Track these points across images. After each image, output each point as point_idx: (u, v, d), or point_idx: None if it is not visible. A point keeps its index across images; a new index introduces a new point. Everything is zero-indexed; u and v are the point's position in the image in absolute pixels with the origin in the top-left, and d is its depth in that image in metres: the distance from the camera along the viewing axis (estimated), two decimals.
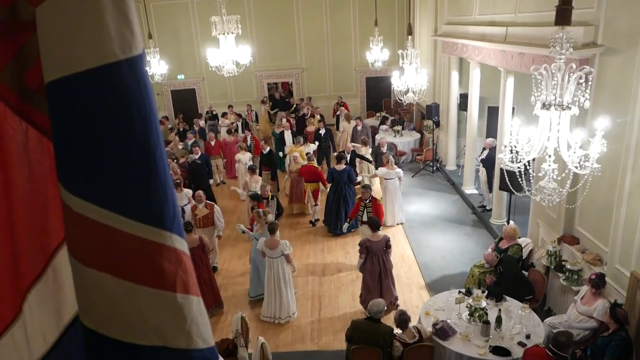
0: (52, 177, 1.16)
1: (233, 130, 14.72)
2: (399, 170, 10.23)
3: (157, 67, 13.58)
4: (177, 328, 1.15)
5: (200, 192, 8.69)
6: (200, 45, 17.95)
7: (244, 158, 12.03)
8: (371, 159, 11.73)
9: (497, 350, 5.32)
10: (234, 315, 6.17)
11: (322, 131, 13.05)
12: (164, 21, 18.60)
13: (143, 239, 1.08)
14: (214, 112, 17.18)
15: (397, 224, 10.26)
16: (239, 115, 16.21)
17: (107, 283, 1.09)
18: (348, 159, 10.82)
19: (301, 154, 11.05)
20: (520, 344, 5.40)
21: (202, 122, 16.11)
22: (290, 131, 13.56)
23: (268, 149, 11.47)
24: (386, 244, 7.11)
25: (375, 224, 7.22)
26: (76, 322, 1.27)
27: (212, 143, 13.00)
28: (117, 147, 1.03)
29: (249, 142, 13.61)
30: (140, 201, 1.07)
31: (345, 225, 9.00)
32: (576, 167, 4.09)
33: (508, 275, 6.52)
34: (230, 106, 17.22)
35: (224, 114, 16.42)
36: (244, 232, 7.76)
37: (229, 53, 10.29)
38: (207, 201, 8.67)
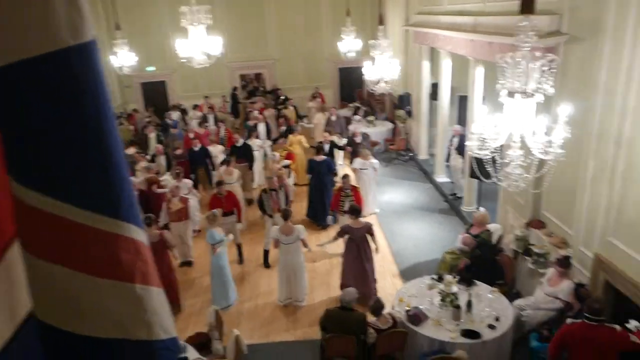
0: (2, 173, 1.12)
1: (202, 123, 14.52)
2: (374, 161, 10.30)
3: (125, 58, 13.23)
4: (137, 319, 1.14)
5: (174, 186, 8.58)
6: (170, 36, 17.53)
7: (215, 151, 11.92)
8: (342, 146, 11.78)
9: (467, 333, 5.45)
10: (208, 308, 6.15)
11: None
12: (133, 11, 18.11)
13: (99, 229, 1.06)
14: (181, 107, 16.86)
15: (371, 214, 10.34)
16: (211, 108, 15.96)
17: (63, 276, 1.07)
18: (327, 149, 10.86)
19: (301, 143, 11.38)
20: (490, 326, 5.55)
21: (174, 115, 15.86)
22: (264, 123, 13.41)
23: (242, 141, 11.36)
24: (368, 231, 7.16)
25: (357, 210, 7.27)
26: (31, 318, 1.25)
27: (191, 136, 12.73)
28: (69, 137, 1.01)
29: (222, 135, 13.46)
30: (95, 192, 1.05)
31: (329, 218, 8.99)
32: (541, 153, 4.19)
33: (486, 257, 6.68)
34: (206, 97, 16.95)
35: (196, 106, 16.15)
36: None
37: (199, 44, 10.10)
38: (182, 195, 8.57)
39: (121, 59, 13.17)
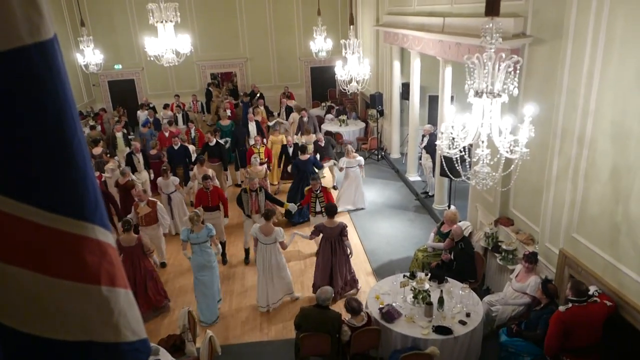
0: None
1: (173, 122, 14.31)
2: (359, 158, 10.53)
3: (91, 56, 12.91)
4: (103, 322, 1.12)
5: (141, 191, 8.43)
6: (138, 34, 17.27)
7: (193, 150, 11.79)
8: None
9: (439, 329, 5.55)
10: (180, 310, 6.06)
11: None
12: (98, 8, 17.72)
13: (62, 231, 1.04)
14: (150, 105, 16.55)
15: (358, 209, 10.50)
16: (179, 107, 15.73)
17: (25, 279, 1.04)
18: (290, 152, 10.92)
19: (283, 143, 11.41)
20: (461, 322, 5.66)
21: (143, 115, 15.54)
22: (254, 122, 13.30)
23: (215, 140, 11.24)
24: (341, 232, 7.18)
25: (333, 210, 7.29)
26: None
27: (167, 134, 12.54)
28: (29, 138, 0.98)
29: (192, 135, 13.29)
30: (57, 192, 1.03)
31: (293, 205, 8.89)
32: (507, 152, 4.30)
33: (468, 252, 6.83)
34: (176, 95, 16.68)
35: (166, 106, 15.89)
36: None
37: (167, 42, 9.96)
38: (150, 199, 8.42)
39: (87, 56, 12.84)
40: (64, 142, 1.02)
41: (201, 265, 6.88)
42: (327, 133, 13.89)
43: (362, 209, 10.56)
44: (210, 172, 9.68)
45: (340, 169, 10.58)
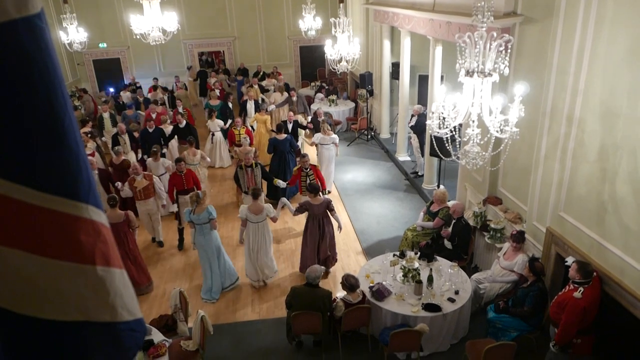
0: None
1: (160, 104, 14.09)
2: (334, 136, 10.32)
3: (75, 34, 12.61)
4: (99, 301, 1.12)
5: (136, 163, 8.36)
6: (123, 12, 16.90)
7: (167, 131, 11.64)
8: (305, 125, 11.78)
9: (428, 307, 5.64)
10: (172, 290, 6.08)
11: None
12: None
13: (56, 211, 1.02)
14: (137, 85, 16.30)
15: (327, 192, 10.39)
16: (165, 89, 15.52)
17: (20, 260, 1.03)
18: (290, 128, 10.82)
19: (266, 123, 11.15)
20: (450, 299, 5.76)
21: (126, 95, 15.30)
22: (253, 101, 13.16)
23: (185, 122, 11.10)
24: (328, 207, 7.21)
25: (316, 188, 7.29)
26: None
27: (154, 115, 12.31)
28: (19, 116, 0.96)
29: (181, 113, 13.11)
30: (50, 172, 1.01)
31: (281, 182, 8.87)
32: (497, 132, 4.32)
33: (469, 228, 7.00)
34: (155, 79, 16.45)
35: (153, 88, 15.66)
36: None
37: (154, 20, 9.77)
38: (145, 172, 8.37)
39: (70, 34, 12.54)
40: (54, 119, 1.00)
41: (201, 245, 6.94)
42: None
43: (329, 192, 10.22)
44: (199, 153, 9.60)
45: (312, 144, 10.47)
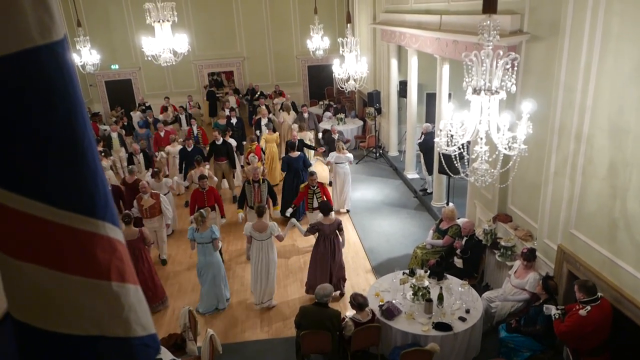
0: None
1: (169, 123, 14.31)
2: (349, 155, 10.42)
3: (88, 56, 12.89)
4: (114, 316, 1.14)
5: (144, 182, 8.47)
6: (135, 34, 17.24)
7: (174, 151, 11.82)
8: (313, 146, 11.87)
9: (439, 326, 5.58)
10: (181, 309, 6.08)
11: (234, 120, 13.58)
12: (95, 8, 17.69)
13: (74, 228, 1.06)
14: (146, 104, 16.57)
15: (344, 211, 10.40)
16: (183, 108, 15.79)
17: (38, 275, 1.06)
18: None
19: (276, 142, 11.52)
20: (461, 318, 5.69)
21: (136, 115, 15.59)
22: (267, 119, 13.31)
23: (222, 139, 11.24)
24: (338, 227, 7.21)
25: (327, 208, 7.30)
26: (7, 318, 1.23)
27: (162, 134, 12.59)
28: (40, 137, 1.00)
29: (195, 133, 13.27)
30: (69, 190, 1.05)
31: (289, 210, 8.93)
32: (505, 149, 4.32)
33: (482, 245, 7.01)
34: (166, 97, 16.70)
35: (164, 108, 15.90)
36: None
37: (165, 42, 9.97)
38: (153, 191, 8.47)
39: (84, 56, 12.83)
40: (74, 140, 1.04)
41: (202, 263, 6.99)
42: (325, 132, 13.90)
43: (348, 211, 10.42)
44: (207, 171, 9.69)
45: (327, 163, 10.54)
